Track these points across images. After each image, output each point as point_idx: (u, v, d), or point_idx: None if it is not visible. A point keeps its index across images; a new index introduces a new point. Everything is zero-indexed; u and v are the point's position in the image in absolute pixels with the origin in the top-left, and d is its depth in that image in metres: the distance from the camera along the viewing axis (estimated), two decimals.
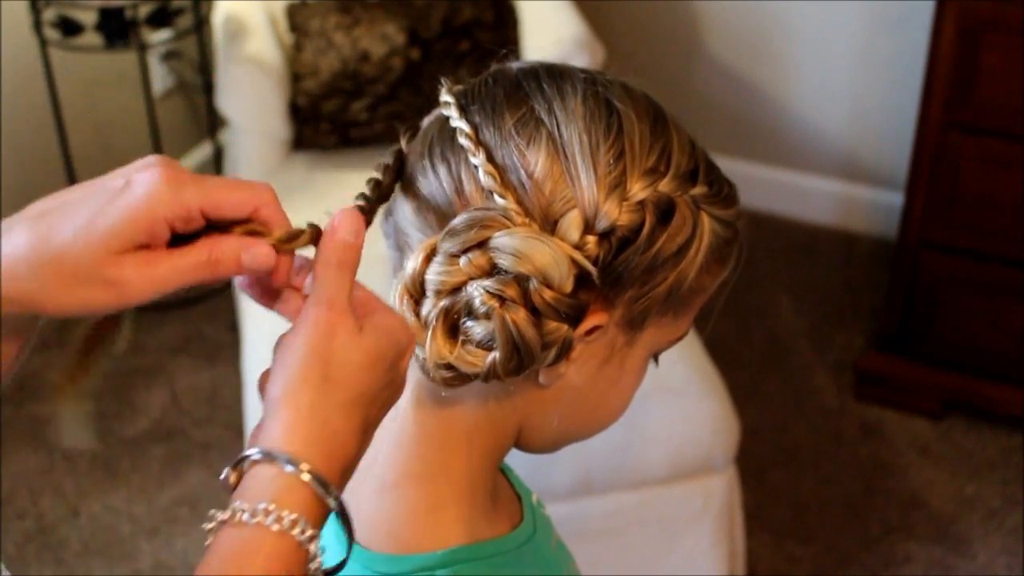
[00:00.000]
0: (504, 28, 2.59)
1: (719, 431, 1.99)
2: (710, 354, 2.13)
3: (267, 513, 0.60)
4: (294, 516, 0.61)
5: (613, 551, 2.04)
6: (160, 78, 3.04)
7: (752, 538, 2.33)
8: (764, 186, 3.24)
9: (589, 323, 0.74)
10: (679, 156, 0.75)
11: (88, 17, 2.51)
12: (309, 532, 0.61)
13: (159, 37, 2.69)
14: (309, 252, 0.69)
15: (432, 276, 0.72)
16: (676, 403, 1.98)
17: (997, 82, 2.30)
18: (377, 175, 0.76)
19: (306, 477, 0.61)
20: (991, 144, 2.36)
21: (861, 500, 2.46)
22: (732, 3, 3.12)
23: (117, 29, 2.52)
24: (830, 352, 2.84)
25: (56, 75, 2.57)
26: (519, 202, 0.72)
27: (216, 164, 2.95)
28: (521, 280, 0.71)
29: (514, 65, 0.79)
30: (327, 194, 2.43)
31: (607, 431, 0.85)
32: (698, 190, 0.75)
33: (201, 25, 2.69)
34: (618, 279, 0.74)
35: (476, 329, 0.72)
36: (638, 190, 0.73)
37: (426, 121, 0.80)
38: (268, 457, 0.62)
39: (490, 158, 0.73)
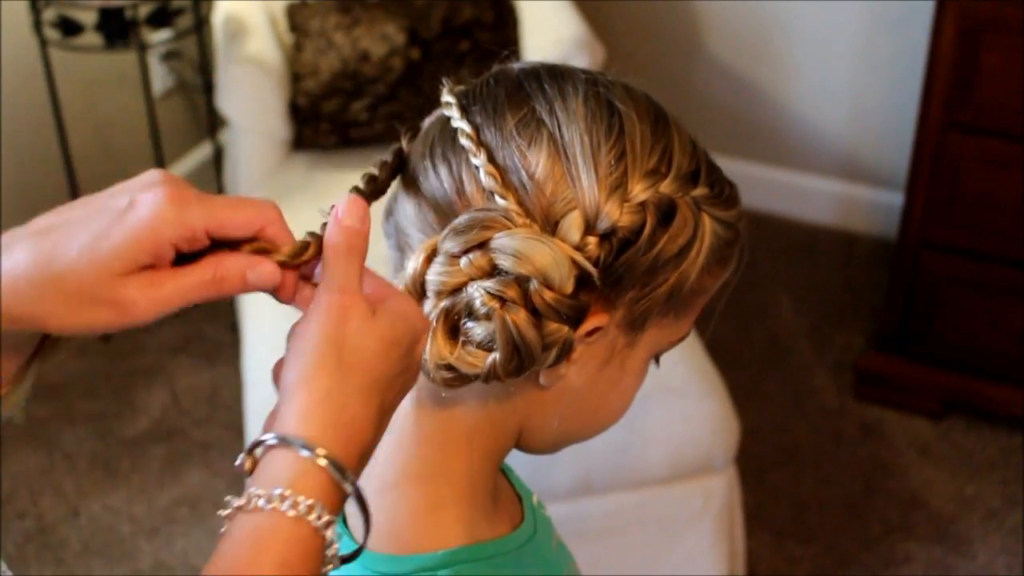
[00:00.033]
0: (504, 28, 2.59)
1: (719, 431, 1.99)
2: (710, 354, 2.13)
3: (283, 499, 0.59)
4: (310, 502, 0.60)
5: (613, 551, 2.04)
6: (160, 78, 3.04)
7: (752, 538, 2.33)
8: (764, 186, 3.24)
9: (590, 324, 0.74)
10: (680, 157, 0.75)
11: (88, 17, 2.51)
12: (326, 518, 0.60)
13: (159, 37, 2.69)
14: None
15: (433, 277, 0.72)
16: (676, 403, 1.98)
17: (997, 82, 2.30)
18: (374, 170, 0.76)
19: (322, 462, 0.61)
20: (991, 144, 2.36)
21: (861, 500, 2.46)
22: (732, 3, 3.12)
23: (117, 29, 2.52)
24: (830, 352, 2.84)
25: (56, 75, 2.57)
26: (520, 203, 0.72)
27: (216, 164, 2.95)
28: (522, 281, 0.71)
29: (515, 66, 0.79)
30: (327, 194, 2.43)
31: (607, 431, 0.85)
32: (699, 191, 0.75)
33: (201, 25, 2.69)
34: (619, 280, 0.74)
35: (477, 330, 0.71)
36: (639, 191, 0.73)
37: (427, 121, 0.80)
38: (284, 442, 0.61)
39: (491, 159, 0.73)
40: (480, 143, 0.74)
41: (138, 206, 0.61)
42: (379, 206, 0.76)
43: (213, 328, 2.84)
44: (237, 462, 0.63)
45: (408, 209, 0.77)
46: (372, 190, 0.74)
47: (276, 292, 0.66)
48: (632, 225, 0.73)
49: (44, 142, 2.70)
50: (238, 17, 2.60)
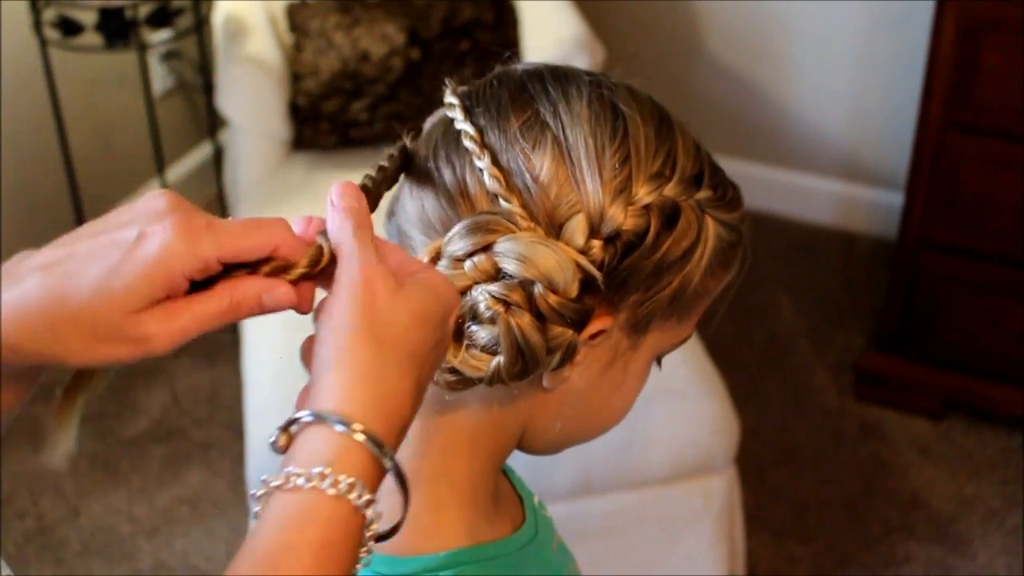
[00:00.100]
0: (504, 28, 2.59)
1: (719, 431, 1.99)
2: (710, 355, 2.13)
3: (323, 477, 0.58)
4: (351, 480, 0.59)
5: (613, 551, 2.04)
6: (160, 78, 3.04)
7: (752, 538, 2.33)
8: (764, 186, 3.24)
9: (593, 327, 0.74)
10: (684, 160, 0.75)
11: (88, 17, 2.51)
12: (366, 497, 0.59)
13: (159, 37, 2.69)
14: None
15: None
16: (676, 403, 1.98)
17: (997, 82, 2.30)
18: (380, 164, 0.75)
19: (360, 438, 0.59)
20: (991, 144, 2.36)
21: (861, 500, 2.46)
22: (732, 3, 3.12)
23: (117, 29, 2.52)
24: (830, 352, 2.84)
25: (56, 75, 2.57)
26: (524, 206, 0.72)
27: (216, 164, 2.95)
28: (526, 285, 0.70)
29: (519, 67, 0.79)
30: (327, 194, 2.43)
31: (608, 431, 0.85)
32: (703, 194, 0.75)
33: (201, 25, 2.69)
34: (623, 283, 0.74)
35: (480, 333, 0.71)
36: (643, 194, 0.73)
37: (429, 122, 0.79)
38: (320, 419, 0.60)
39: (495, 161, 0.73)
40: (484, 145, 0.74)
41: (147, 241, 0.60)
42: (380, 207, 0.76)
43: None
44: (271, 439, 0.62)
45: (410, 210, 0.76)
46: (376, 187, 0.74)
47: (298, 307, 0.66)
48: (636, 228, 0.72)
49: (44, 142, 2.70)
50: (238, 17, 2.60)
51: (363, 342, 0.62)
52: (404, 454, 0.79)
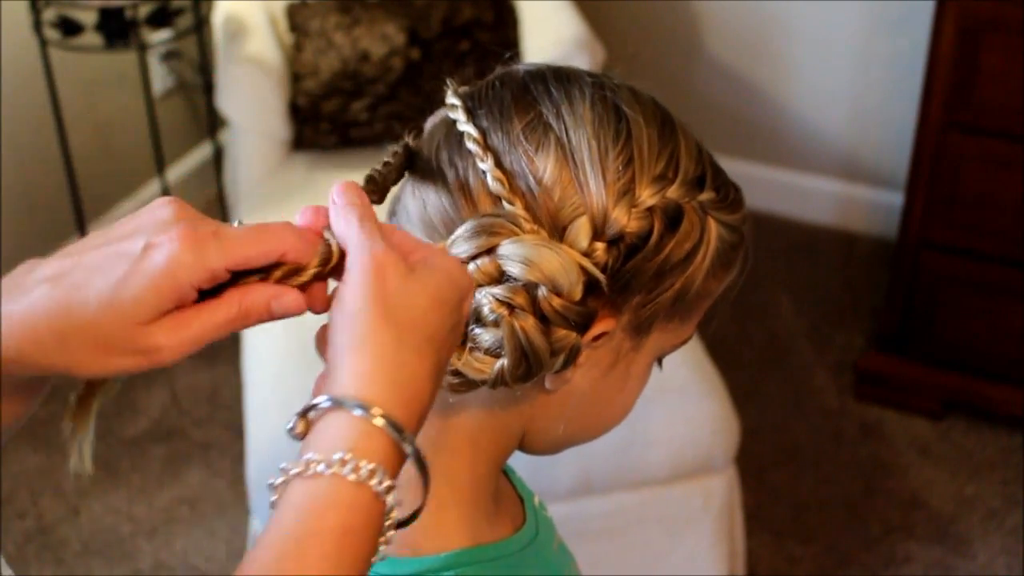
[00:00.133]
0: (504, 28, 2.59)
1: (719, 431, 1.99)
2: (710, 354, 2.13)
3: (343, 463, 0.57)
4: (372, 466, 0.58)
5: (613, 551, 2.04)
6: (160, 78, 3.04)
7: (752, 538, 2.33)
8: (764, 186, 3.24)
9: (597, 329, 0.74)
10: (687, 162, 0.75)
11: (88, 17, 2.51)
12: (387, 483, 0.59)
13: (159, 37, 2.69)
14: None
15: None
16: (676, 403, 1.98)
17: (997, 82, 2.30)
18: (382, 164, 0.75)
19: (380, 422, 0.59)
20: (991, 144, 2.36)
21: (861, 500, 2.46)
22: (732, 3, 3.12)
23: (117, 29, 2.52)
24: (830, 352, 2.84)
25: (56, 75, 2.57)
26: (528, 208, 0.72)
27: (216, 164, 2.95)
28: (530, 288, 0.70)
29: (521, 68, 0.79)
30: (327, 194, 2.43)
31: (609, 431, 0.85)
32: (705, 196, 0.75)
33: (201, 25, 2.69)
34: (626, 285, 0.74)
35: (484, 336, 0.71)
36: (647, 197, 0.73)
37: (430, 123, 0.79)
38: (339, 404, 0.59)
39: (498, 163, 0.73)
40: (488, 148, 0.73)
41: (154, 252, 0.60)
42: (381, 208, 0.76)
43: None
44: (289, 426, 0.61)
45: (412, 210, 0.76)
46: (383, 179, 0.74)
47: (309, 307, 0.65)
48: (640, 231, 0.72)
49: (44, 142, 2.70)
50: (238, 17, 2.60)
51: (380, 326, 0.61)
52: None
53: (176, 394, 2.69)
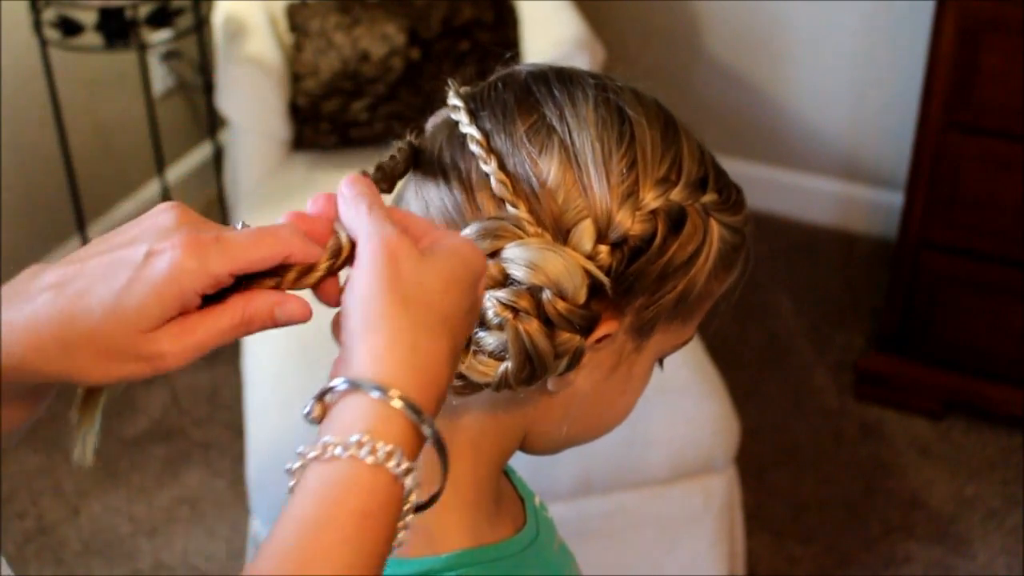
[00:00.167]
0: (504, 28, 2.59)
1: (719, 431, 1.99)
2: (710, 355, 2.13)
3: (360, 445, 0.57)
4: (389, 448, 0.57)
5: (613, 551, 2.04)
6: (160, 78, 3.04)
7: (752, 538, 2.33)
8: (764, 186, 3.24)
9: (600, 332, 0.74)
10: (690, 164, 0.75)
11: (88, 17, 2.51)
12: (405, 465, 0.58)
13: (159, 37, 2.69)
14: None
15: None
16: (677, 403, 1.98)
17: (997, 82, 2.30)
18: (386, 158, 0.75)
19: (397, 404, 0.58)
20: (991, 144, 2.36)
21: (861, 500, 2.46)
22: (732, 3, 3.12)
23: (117, 29, 2.52)
24: (830, 352, 2.84)
25: (56, 75, 2.57)
26: (531, 211, 0.72)
27: (216, 164, 2.95)
28: (534, 291, 0.70)
29: (523, 69, 0.79)
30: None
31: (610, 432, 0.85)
32: (708, 197, 0.75)
33: (201, 25, 2.69)
34: (629, 288, 0.74)
35: (488, 339, 0.71)
36: (650, 199, 0.73)
37: (431, 124, 0.79)
38: (356, 387, 0.59)
39: (502, 166, 0.73)
40: (491, 150, 0.73)
41: (156, 259, 0.59)
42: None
43: None
44: (306, 410, 0.61)
45: (415, 210, 0.76)
46: (387, 174, 0.73)
47: (323, 302, 0.65)
48: (643, 234, 0.72)
49: (44, 142, 2.70)
50: (238, 17, 2.60)
51: (395, 309, 0.61)
52: None
53: (176, 394, 2.69)
